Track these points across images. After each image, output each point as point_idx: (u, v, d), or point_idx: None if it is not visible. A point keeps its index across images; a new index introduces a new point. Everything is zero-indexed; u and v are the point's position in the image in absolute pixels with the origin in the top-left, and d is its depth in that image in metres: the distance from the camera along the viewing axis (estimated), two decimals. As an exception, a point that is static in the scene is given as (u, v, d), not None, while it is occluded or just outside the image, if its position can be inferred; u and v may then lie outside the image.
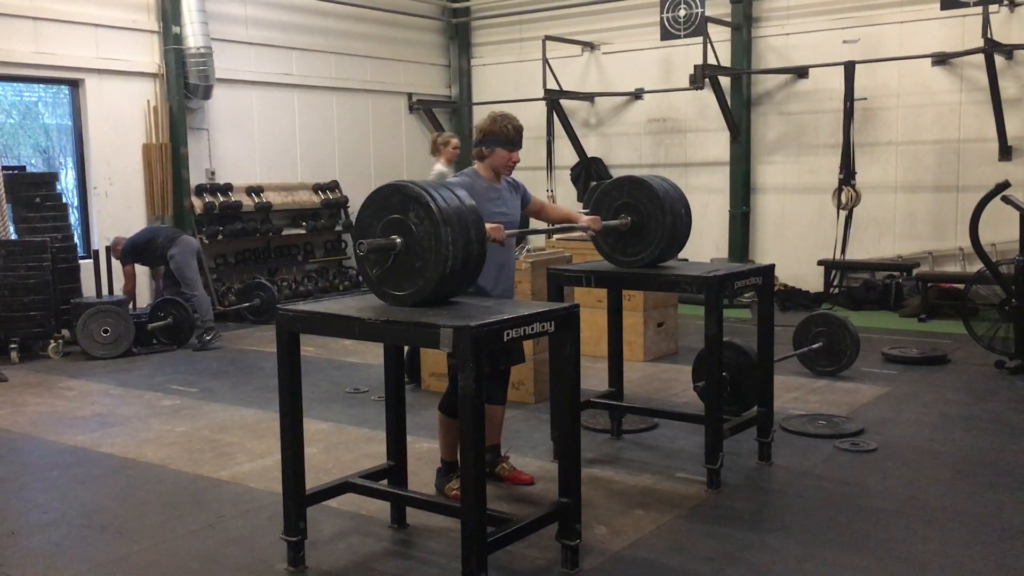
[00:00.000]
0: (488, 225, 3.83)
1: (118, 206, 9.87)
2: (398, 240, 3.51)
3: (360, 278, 11.91)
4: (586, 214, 4.93)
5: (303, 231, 11.50)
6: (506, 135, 4.37)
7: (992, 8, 9.23)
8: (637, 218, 4.76)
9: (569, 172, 12.31)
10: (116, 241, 9.12)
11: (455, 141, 8.16)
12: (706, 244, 11.36)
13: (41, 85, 9.61)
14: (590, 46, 12.46)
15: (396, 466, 4.18)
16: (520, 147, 4.47)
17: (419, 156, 13.38)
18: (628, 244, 4.82)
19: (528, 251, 7.05)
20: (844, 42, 10.52)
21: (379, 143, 12.77)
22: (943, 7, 9.16)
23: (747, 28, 11.14)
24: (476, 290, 4.34)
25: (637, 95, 12.08)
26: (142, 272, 9.62)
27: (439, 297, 3.58)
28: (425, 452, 5.26)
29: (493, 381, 4.50)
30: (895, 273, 10.26)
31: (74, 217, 9.56)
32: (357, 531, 4.18)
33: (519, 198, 4.59)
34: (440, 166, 8.04)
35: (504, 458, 4.75)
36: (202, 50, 10.06)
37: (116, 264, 9.01)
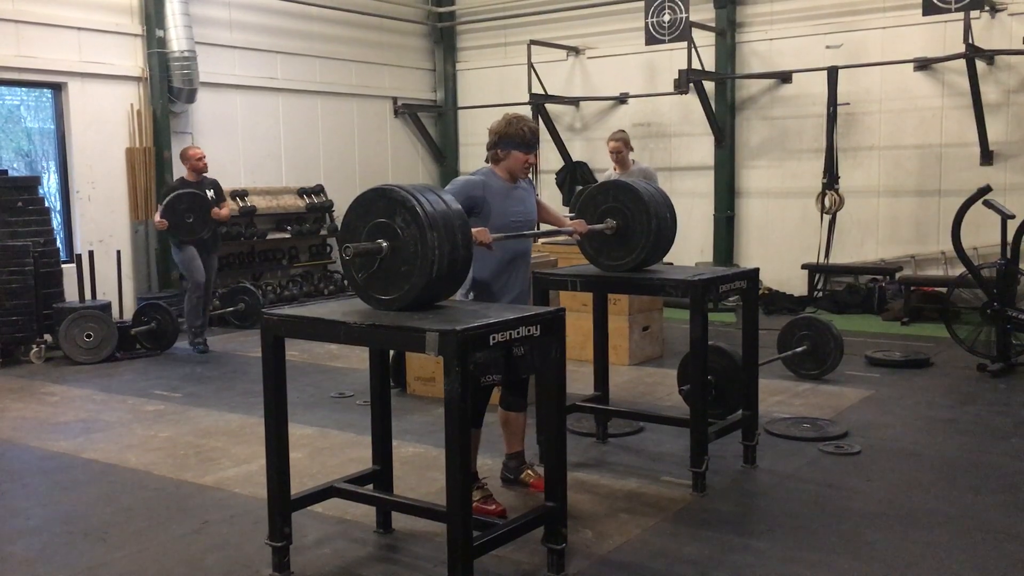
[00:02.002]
0: (474, 229, 3.83)
1: (101, 210, 9.82)
2: (384, 244, 3.51)
3: (345, 282, 11.91)
4: (572, 218, 4.94)
5: (288, 235, 11.47)
6: (523, 137, 4.32)
7: (973, 14, 9.31)
8: (623, 222, 4.77)
9: (554, 176, 12.32)
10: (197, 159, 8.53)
11: (611, 144, 7.72)
12: (691, 248, 11.39)
13: (23, 89, 9.55)
14: (575, 51, 12.49)
15: (381, 470, 4.17)
16: (536, 149, 4.44)
17: (404, 160, 13.39)
18: (614, 248, 4.83)
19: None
20: (827, 47, 10.58)
21: (364, 147, 12.76)
22: (925, 13, 9.23)
23: (731, 33, 11.19)
24: (488, 296, 4.32)
25: (622, 100, 12.12)
26: (121, 260, 9.56)
27: (425, 301, 3.58)
28: (410, 456, 5.25)
29: (513, 390, 4.49)
30: (878, 277, 10.32)
31: (56, 221, 9.49)
32: (342, 536, 4.17)
33: (535, 198, 4.59)
34: (610, 171, 7.94)
35: (529, 465, 4.72)
36: (186, 54, 10.02)
37: (99, 269, 8.92)
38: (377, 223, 3.52)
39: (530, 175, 4.60)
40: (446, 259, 3.46)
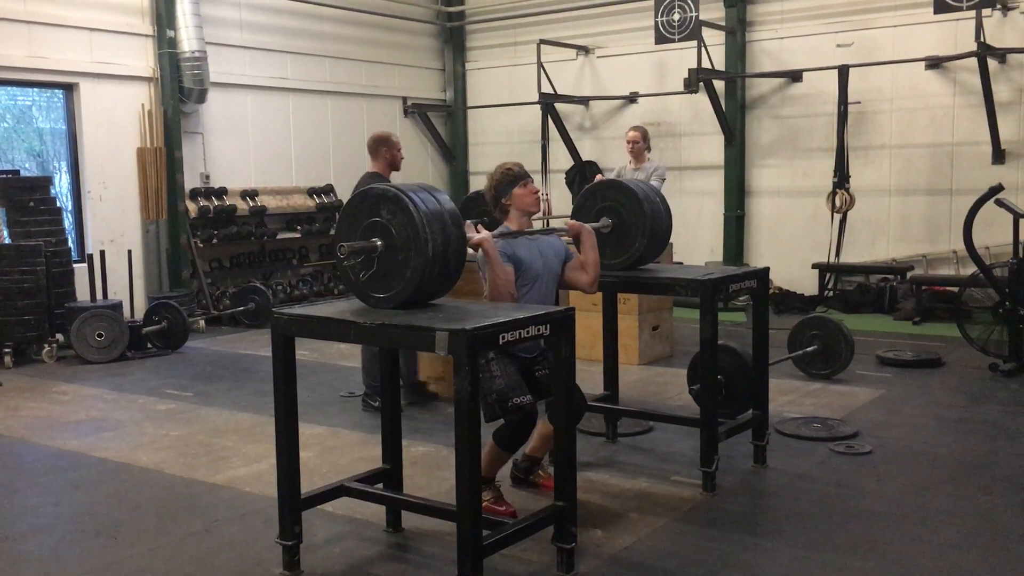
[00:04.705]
0: (475, 234, 3.87)
1: (112, 210, 9.85)
2: (378, 242, 3.53)
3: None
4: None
5: (298, 235, 11.49)
6: (512, 174, 4.34)
7: (985, 12, 9.26)
8: (618, 220, 4.79)
9: (564, 176, 12.31)
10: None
11: (630, 134, 8.08)
12: (701, 247, 11.36)
13: (35, 89, 9.60)
14: (584, 50, 12.48)
15: (391, 470, 4.18)
16: (530, 178, 4.41)
17: (414, 159, 13.39)
18: (612, 245, 4.84)
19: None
20: (838, 46, 10.54)
21: (374, 147, 12.75)
22: (936, 11, 9.18)
23: (741, 32, 11.17)
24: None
25: (631, 99, 12.10)
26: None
27: (421, 299, 3.60)
28: (420, 456, 5.26)
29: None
30: (889, 276, 10.28)
31: (68, 221, 9.53)
32: (352, 535, 4.17)
33: (562, 253, 4.47)
34: (624, 165, 8.19)
35: (541, 466, 4.71)
36: (197, 54, 10.05)
37: (110, 269, 8.95)
38: (371, 222, 3.55)
39: (543, 205, 4.59)
40: (439, 257, 3.47)
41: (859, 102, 10.21)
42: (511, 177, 4.34)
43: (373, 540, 4.12)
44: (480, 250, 4.03)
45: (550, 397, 4.29)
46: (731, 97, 11.25)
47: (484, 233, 4.08)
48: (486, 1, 13.36)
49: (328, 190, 11.93)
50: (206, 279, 10.39)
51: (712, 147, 11.56)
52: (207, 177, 10.74)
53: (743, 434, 4.98)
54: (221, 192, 10.69)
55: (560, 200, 12.24)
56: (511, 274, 4.13)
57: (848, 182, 10.01)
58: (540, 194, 4.47)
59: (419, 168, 13.44)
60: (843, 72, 9.93)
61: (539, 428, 4.56)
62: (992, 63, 9.49)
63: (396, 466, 4.19)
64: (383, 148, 6.26)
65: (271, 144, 11.48)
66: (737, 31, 11.12)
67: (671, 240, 8.10)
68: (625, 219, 4.76)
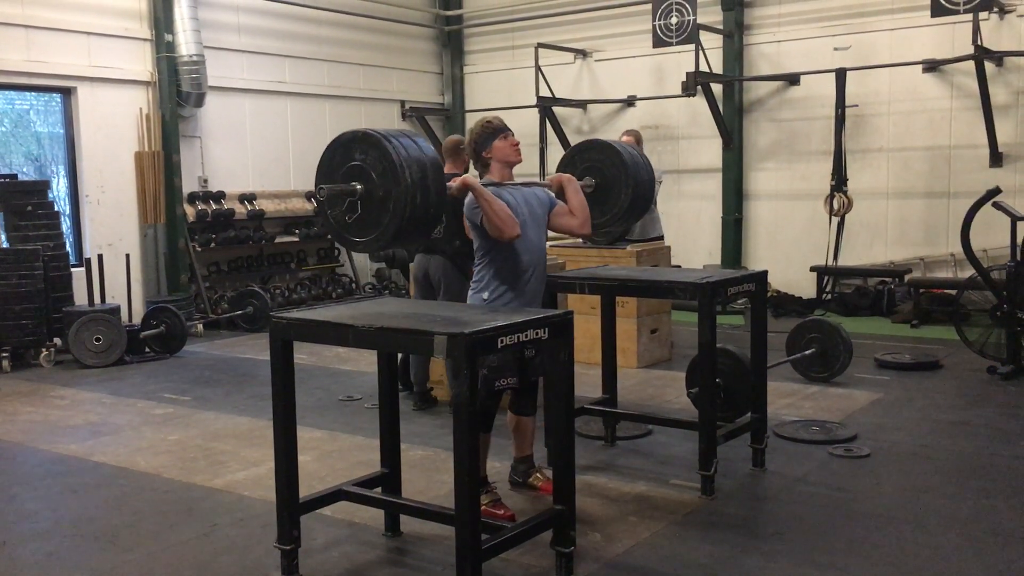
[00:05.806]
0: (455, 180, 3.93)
1: (110, 214, 9.85)
2: (358, 186, 3.55)
3: (354, 284, 11.93)
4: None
5: (296, 239, 11.49)
6: (492, 127, 4.38)
7: (982, 15, 9.28)
8: (600, 178, 4.84)
9: (562, 179, 12.32)
10: None
11: (624, 138, 7.97)
12: (699, 250, 11.37)
13: (33, 93, 9.59)
14: (582, 53, 12.50)
15: (390, 474, 4.18)
16: (510, 131, 4.45)
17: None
18: (598, 203, 4.89)
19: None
20: (835, 49, 10.56)
21: (372, 150, 12.76)
22: (933, 14, 9.20)
23: (739, 35, 11.18)
24: (509, 287, 4.30)
25: (629, 102, 12.11)
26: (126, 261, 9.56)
27: (410, 234, 3.66)
28: (419, 460, 5.26)
29: (523, 394, 4.46)
30: (887, 279, 10.29)
31: (66, 225, 9.52)
32: (351, 539, 4.17)
33: (547, 202, 4.52)
34: None
35: (538, 468, 4.71)
36: (195, 58, 10.05)
37: (108, 273, 8.94)
38: (348, 168, 3.58)
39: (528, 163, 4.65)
40: (419, 186, 3.50)
41: (856, 105, 10.23)
42: (491, 130, 4.37)
43: (372, 544, 4.12)
44: (467, 192, 4.09)
45: (534, 379, 4.33)
46: (729, 100, 11.27)
47: (463, 175, 4.11)
48: (484, 5, 13.39)
49: (326, 194, 11.92)
50: (204, 283, 10.39)
51: (710, 150, 11.58)
52: (205, 181, 10.74)
53: (742, 437, 4.98)
54: (219, 196, 10.69)
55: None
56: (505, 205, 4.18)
57: (846, 185, 10.03)
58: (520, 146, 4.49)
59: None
60: (841, 75, 9.95)
61: (510, 423, 4.59)
62: (989, 66, 9.51)
63: (395, 470, 4.19)
64: (463, 151, 6.34)
65: (269, 148, 11.48)
66: (735, 34, 11.14)
67: (669, 243, 8.17)
68: (608, 175, 4.81)
